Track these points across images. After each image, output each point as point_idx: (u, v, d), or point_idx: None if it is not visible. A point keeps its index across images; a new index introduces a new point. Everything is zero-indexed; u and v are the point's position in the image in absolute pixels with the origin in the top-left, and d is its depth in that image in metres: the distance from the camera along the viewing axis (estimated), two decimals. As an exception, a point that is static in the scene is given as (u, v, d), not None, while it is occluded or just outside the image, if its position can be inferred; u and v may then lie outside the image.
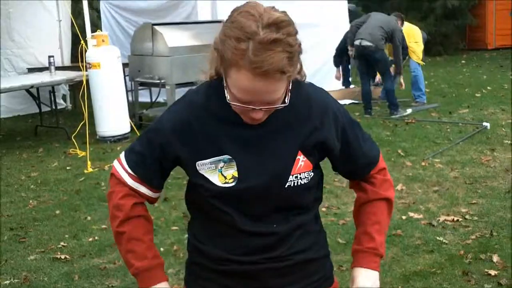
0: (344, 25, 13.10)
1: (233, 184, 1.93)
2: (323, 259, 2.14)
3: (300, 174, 1.95)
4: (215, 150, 1.92)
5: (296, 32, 1.79)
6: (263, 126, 1.91)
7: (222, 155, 1.92)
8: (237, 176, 1.92)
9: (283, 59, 1.71)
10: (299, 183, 1.96)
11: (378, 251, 2.09)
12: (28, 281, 4.71)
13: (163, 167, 2.02)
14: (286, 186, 1.95)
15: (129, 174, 2.02)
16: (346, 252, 4.84)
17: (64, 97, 12.68)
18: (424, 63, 12.10)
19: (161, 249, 5.17)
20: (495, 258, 4.77)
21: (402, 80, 11.09)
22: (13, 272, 4.89)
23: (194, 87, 2.04)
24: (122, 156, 2.07)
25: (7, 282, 4.71)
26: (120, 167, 2.05)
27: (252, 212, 1.97)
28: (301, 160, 1.95)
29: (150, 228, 2.10)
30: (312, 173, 1.99)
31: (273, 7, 1.81)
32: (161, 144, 1.97)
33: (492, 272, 4.54)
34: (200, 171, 1.95)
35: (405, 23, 11.35)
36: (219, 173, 1.93)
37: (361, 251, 2.10)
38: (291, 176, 1.94)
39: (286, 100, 1.85)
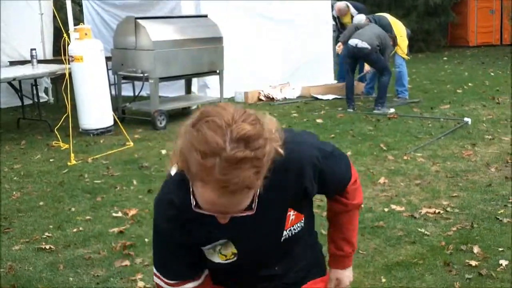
0: (327, 22, 13.18)
1: (234, 259, 2.03)
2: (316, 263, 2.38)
3: (292, 227, 2.06)
4: (210, 238, 1.98)
5: (266, 142, 1.67)
6: None
7: (217, 241, 1.99)
8: (236, 252, 2.01)
9: (250, 176, 1.63)
10: (293, 233, 2.08)
11: (354, 253, 2.42)
12: (13, 270, 4.71)
13: (189, 252, 2.04)
14: (282, 240, 2.06)
15: (170, 284, 2.08)
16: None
17: (46, 91, 12.61)
18: (409, 58, 12.17)
19: (146, 239, 5.21)
20: (476, 249, 4.83)
21: None
22: (-2, 262, 4.90)
23: (166, 182, 2.00)
24: (157, 276, 2.12)
25: (-8, 271, 4.72)
26: (161, 281, 2.11)
27: (254, 267, 2.12)
28: (292, 214, 2.04)
29: None
30: (303, 221, 2.11)
31: (245, 112, 1.69)
32: (173, 232, 1.98)
33: (473, 263, 4.60)
34: (205, 253, 2.05)
35: (390, 16, 11.53)
36: (219, 254, 2.01)
37: (341, 256, 2.39)
38: (285, 231, 2.05)
39: (253, 206, 1.76)
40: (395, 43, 10.89)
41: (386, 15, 11.49)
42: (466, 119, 9.31)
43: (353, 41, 10.38)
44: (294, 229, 2.07)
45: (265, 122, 1.72)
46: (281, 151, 1.80)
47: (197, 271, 2.07)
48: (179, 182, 1.87)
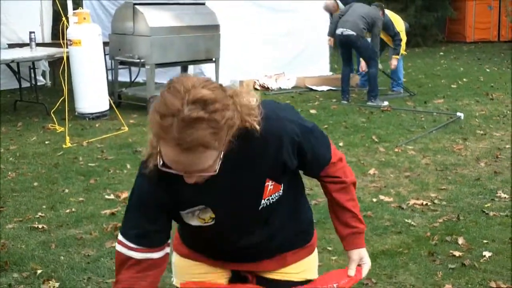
0: (322, 12, 13.21)
1: (212, 222, 2.11)
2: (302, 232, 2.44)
3: (270, 197, 2.14)
4: (188, 203, 2.07)
5: (225, 107, 1.81)
6: (226, 171, 1.96)
7: (195, 206, 2.08)
8: (214, 216, 2.09)
9: (206, 136, 1.75)
10: (270, 203, 2.15)
11: (357, 231, 2.44)
12: (6, 247, 4.79)
13: (161, 217, 2.10)
14: (259, 209, 2.14)
15: (132, 248, 2.11)
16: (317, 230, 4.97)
17: (43, 74, 12.67)
18: (406, 53, 12.25)
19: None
20: (461, 241, 4.93)
21: (393, 61, 11.24)
22: (-9, 239, 4.99)
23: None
24: (121, 243, 2.15)
25: (-15, 248, 4.81)
26: (121, 247, 2.15)
27: (233, 235, 2.19)
28: (270, 185, 2.11)
29: None
30: (281, 192, 2.17)
31: (208, 80, 1.84)
32: (152, 193, 2.06)
33: (457, 253, 4.69)
34: (183, 218, 2.13)
35: (389, 11, 11.47)
36: (198, 217, 2.10)
37: (357, 233, 2.42)
38: (262, 200, 2.13)
39: (216, 168, 1.87)
40: (383, 14, 10.85)
41: (386, 11, 11.43)
42: (458, 114, 9.41)
43: (338, 30, 10.45)
44: (272, 199, 2.14)
45: (240, 95, 1.90)
46: (258, 127, 1.94)
47: (161, 242, 2.12)
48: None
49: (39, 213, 5.52)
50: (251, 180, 2.09)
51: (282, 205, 2.21)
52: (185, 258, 2.35)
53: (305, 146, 2.15)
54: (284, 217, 2.27)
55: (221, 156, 1.88)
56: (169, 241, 2.18)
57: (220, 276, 2.35)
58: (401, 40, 11.06)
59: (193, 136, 1.74)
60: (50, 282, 4.27)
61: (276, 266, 2.34)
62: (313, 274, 2.47)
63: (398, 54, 11.05)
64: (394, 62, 11.14)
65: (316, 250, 2.52)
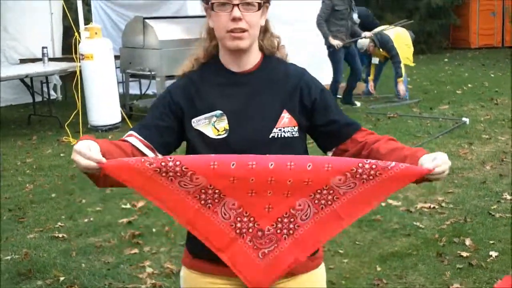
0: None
1: (225, 135, 2.22)
2: None
3: (284, 128, 2.24)
4: (209, 107, 2.23)
5: None
6: (249, 86, 2.24)
7: (214, 111, 2.22)
8: (228, 128, 2.22)
9: None
10: (282, 135, 2.24)
11: (419, 154, 2.20)
12: (29, 256, 4.98)
13: (170, 130, 2.26)
14: (270, 136, 2.23)
15: (135, 136, 2.24)
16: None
17: (55, 88, 12.88)
18: (414, 64, 12.45)
19: (153, 229, 5.47)
20: (468, 242, 5.09)
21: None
22: (14, 249, 5.16)
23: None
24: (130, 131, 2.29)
25: (9, 257, 4.99)
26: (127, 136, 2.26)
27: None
28: (286, 117, 2.24)
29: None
30: (297, 131, 2.26)
31: None
32: (169, 102, 2.27)
33: (464, 254, 4.86)
34: (196, 127, 2.24)
35: (394, 30, 11.70)
36: (213, 126, 2.22)
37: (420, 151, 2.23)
38: (275, 129, 2.23)
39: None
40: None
41: (389, 31, 11.57)
42: (464, 119, 9.56)
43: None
44: (284, 131, 2.24)
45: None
46: (285, 56, 2.37)
47: (160, 150, 2.23)
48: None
49: (59, 223, 5.71)
50: (269, 103, 2.25)
51: (294, 152, 2.21)
52: (193, 270, 2.41)
53: (327, 99, 2.33)
54: None
55: (260, 9, 2.20)
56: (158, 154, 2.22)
57: None
58: (400, 62, 11.30)
59: None
60: (72, 288, 4.46)
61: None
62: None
63: (401, 76, 11.36)
64: (401, 87, 11.53)
65: (323, 266, 2.45)
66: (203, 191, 2.06)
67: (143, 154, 2.19)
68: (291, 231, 2.13)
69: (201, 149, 2.23)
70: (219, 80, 2.27)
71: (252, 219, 2.11)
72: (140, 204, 6.09)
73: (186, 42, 9.87)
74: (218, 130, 2.22)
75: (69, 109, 9.92)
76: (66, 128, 8.88)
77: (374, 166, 2.07)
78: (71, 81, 9.34)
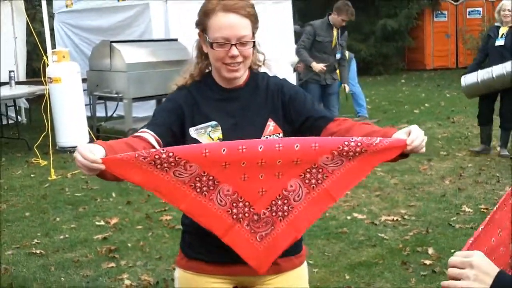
0: (289, 44, 13.56)
1: None
2: None
3: (270, 136, 2.46)
4: (205, 118, 2.45)
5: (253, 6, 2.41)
6: (239, 100, 2.48)
7: (210, 121, 2.45)
8: (221, 137, 2.44)
9: (246, 4, 2.36)
10: None
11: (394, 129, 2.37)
12: (8, 271, 5.11)
13: (173, 125, 2.45)
14: None
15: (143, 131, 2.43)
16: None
17: (19, 111, 12.93)
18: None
19: (129, 244, 5.64)
20: (430, 251, 5.37)
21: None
22: (-7, 265, 5.29)
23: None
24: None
25: (-11, 274, 5.11)
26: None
27: None
28: (271, 125, 2.47)
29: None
30: (281, 136, 2.48)
31: None
32: (175, 108, 2.47)
33: (428, 262, 5.13)
34: (192, 136, 2.44)
35: None
36: (208, 135, 2.44)
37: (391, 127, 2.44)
38: (262, 137, 2.45)
39: (252, 42, 2.41)
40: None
41: None
42: (422, 137, 9.86)
43: None
44: (269, 138, 2.45)
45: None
46: (266, 71, 2.59)
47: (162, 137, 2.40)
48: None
49: (35, 240, 5.84)
50: (256, 113, 2.49)
51: None
52: (188, 270, 2.57)
53: (298, 97, 2.55)
54: None
55: (253, 45, 2.42)
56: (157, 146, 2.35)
57: None
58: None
59: (235, 1, 2.35)
60: (54, 301, 4.60)
61: (271, 271, 2.48)
62: (305, 284, 2.68)
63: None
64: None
65: (306, 264, 2.68)
66: (197, 179, 2.18)
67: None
68: (285, 213, 2.28)
69: None
70: (213, 95, 2.49)
71: (247, 203, 2.25)
72: (114, 220, 6.26)
73: (152, 65, 10.12)
74: (212, 139, 2.44)
75: (35, 132, 10.05)
76: (35, 149, 8.98)
77: (359, 144, 2.20)
78: (36, 104, 9.42)
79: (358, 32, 20.99)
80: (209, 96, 2.50)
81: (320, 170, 2.24)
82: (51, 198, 7.18)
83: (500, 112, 8.86)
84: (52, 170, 8.13)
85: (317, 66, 9.50)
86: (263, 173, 2.22)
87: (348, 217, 6.32)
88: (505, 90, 8.55)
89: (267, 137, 2.44)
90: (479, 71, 8.74)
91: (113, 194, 7.22)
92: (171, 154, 2.12)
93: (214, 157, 2.15)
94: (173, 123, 2.45)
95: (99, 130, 10.66)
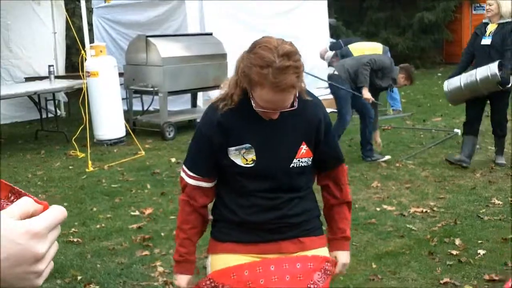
0: (324, 39, 13.71)
1: (252, 165, 2.62)
2: (314, 218, 2.83)
3: (302, 159, 2.66)
4: (240, 140, 2.60)
5: (300, 57, 2.43)
6: (273, 123, 2.59)
7: (244, 144, 2.60)
8: (255, 159, 2.61)
9: (293, 79, 2.37)
10: (300, 165, 2.66)
11: (348, 237, 2.91)
12: (47, 259, 5.31)
13: (213, 157, 2.66)
14: (290, 166, 2.65)
15: (190, 176, 2.72)
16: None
17: (58, 105, 13.23)
18: None
19: (162, 234, 5.81)
20: (457, 242, 5.45)
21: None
22: (32, 253, 5.48)
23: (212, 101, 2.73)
24: (183, 171, 2.76)
25: (28, 260, 5.31)
26: (184, 174, 2.76)
27: (265, 187, 2.66)
28: (304, 148, 2.65)
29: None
30: (311, 160, 2.70)
31: (283, 40, 2.45)
32: (210, 136, 2.63)
33: (454, 252, 5.22)
34: (229, 155, 2.63)
35: (359, 43, 10.69)
36: (242, 157, 2.62)
37: (336, 239, 2.89)
38: (295, 159, 2.64)
39: (294, 104, 2.50)
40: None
41: (353, 45, 10.34)
42: (456, 130, 9.92)
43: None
44: (302, 162, 2.65)
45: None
46: (304, 94, 2.64)
47: (213, 175, 2.71)
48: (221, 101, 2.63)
49: (73, 229, 6.04)
50: (290, 136, 2.64)
51: (306, 176, 2.74)
52: (219, 253, 2.75)
53: (328, 132, 2.74)
54: (304, 188, 2.75)
55: (296, 95, 2.50)
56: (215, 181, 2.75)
57: None
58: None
59: (286, 80, 2.35)
60: (90, 286, 4.79)
61: (296, 248, 2.73)
62: None
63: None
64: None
65: (327, 248, 2.90)
66: None
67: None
68: None
69: (233, 174, 2.67)
70: (248, 118, 2.60)
71: None
72: (148, 211, 6.43)
73: (187, 59, 10.30)
74: (246, 160, 2.62)
75: (73, 125, 10.31)
76: (73, 142, 9.22)
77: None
78: (75, 98, 9.64)
79: (395, 26, 20.96)
80: (244, 118, 2.61)
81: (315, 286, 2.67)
82: (88, 189, 7.39)
83: (491, 118, 8.19)
84: (90, 162, 8.35)
85: (367, 95, 8.31)
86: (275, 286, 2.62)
87: (378, 209, 6.41)
88: (494, 94, 7.71)
89: (299, 160, 2.65)
90: (463, 74, 7.96)
91: (148, 186, 7.41)
92: (211, 280, 2.67)
93: (240, 278, 2.62)
94: (208, 151, 2.67)
95: (135, 124, 10.87)
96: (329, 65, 10.54)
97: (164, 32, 12.00)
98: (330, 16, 14.89)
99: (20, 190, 1.17)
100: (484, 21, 7.97)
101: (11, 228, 0.94)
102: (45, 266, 0.99)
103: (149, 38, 10.25)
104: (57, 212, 1.03)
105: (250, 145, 2.59)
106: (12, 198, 1.16)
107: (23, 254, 0.94)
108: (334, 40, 13.19)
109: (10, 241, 0.92)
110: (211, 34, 11.25)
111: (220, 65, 10.88)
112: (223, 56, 10.92)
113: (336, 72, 8.44)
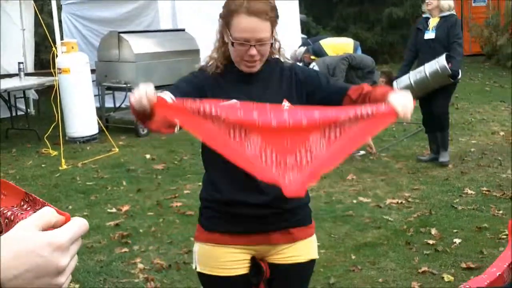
0: (296, 35, 13.76)
1: None
2: (304, 205, 2.81)
3: None
4: (226, 96, 2.59)
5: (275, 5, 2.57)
6: (257, 83, 2.65)
7: (230, 99, 2.58)
8: None
9: (266, 7, 2.49)
10: None
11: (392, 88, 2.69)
12: (24, 257, 5.27)
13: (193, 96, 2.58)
14: None
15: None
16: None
17: (27, 103, 13.08)
18: None
19: (141, 230, 5.80)
20: (433, 231, 5.54)
21: None
22: (9, 251, 5.44)
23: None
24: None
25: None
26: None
27: None
28: (286, 105, 2.62)
29: None
30: None
31: None
32: (201, 80, 2.65)
33: (431, 242, 5.31)
34: None
35: (327, 39, 10.48)
36: None
37: (384, 95, 2.55)
38: None
39: (271, 41, 2.58)
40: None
41: (324, 40, 10.08)
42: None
43: None
44: None
45: None
46: (282, 58, 2.74)
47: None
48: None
49: (49, 227, 5.99)
50: (272, 95, 2.65)
51: None
52: (207, 243, 2.72)
53: (314, 81, 2.74)
54: None
55: (272, 42, 2.60)
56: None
57: (241, 264, 2.71)
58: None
59: (259, 6, 2.49)
60: (70, 284, 4.73)
61: (285, 240, 2.72)
62: (316, 254, 2.86)
63: None
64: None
65: (315, 236, 2.86)
66: (231, 129, 2.40)
67: None
68: (309, 160, 2.47)
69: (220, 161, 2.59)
70: (234, 78, 2.65)
71: (274, 151, 2.45)
72: (125, 208, 6.42)
73: (160, 55, 10.28)
74: None
75: (44, 123, 10.20)
76: (45, 140, 9.14)
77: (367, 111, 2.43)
78: (45, 95, 9.54)
79: (363, 21, 21.10)
80: (230, 78, 2.66)
81: (338, 128, 2.44)
82: (62, 187, 7.35)
83: (433, 113, 7.83)
84: (63, 160, 8.29)
85: None
86: (290, 128, 2.43)
87: (354, 201, 6.47)
88: (437, 88, 7.57)
89: None
90: (410, 72, 7.83)
91: (124, 183, 7.39)
92: (214, 108, 2.36)
93: (247, 116, 2.40)
94: (194, 96, 2.55)
95: (108, 121, 10.81)
96: (301, 60, 10.55)
97: (136, 28, 11.92)
98: (300, 11, 14.93)
99: (36, 197, 1.16)
100: (424, 16, 7.91)
101: (34, 240, 0.93)
102: (66, 279, 0.98)
103: (122, 34, 10.20)
104: (80, 224, 1.01)
105: (236, 101, 2.58)
106: (25, 206, 1.14)
107: (45, 267, 0.93)
108: (305, 36, 13.24)
109: (33, 253, 0.92)
110: (183, 30, 11.23)
111: (193, 60, 10.77)
112: (196, 51, 10.88)
113: (316, 68, 8.36)
